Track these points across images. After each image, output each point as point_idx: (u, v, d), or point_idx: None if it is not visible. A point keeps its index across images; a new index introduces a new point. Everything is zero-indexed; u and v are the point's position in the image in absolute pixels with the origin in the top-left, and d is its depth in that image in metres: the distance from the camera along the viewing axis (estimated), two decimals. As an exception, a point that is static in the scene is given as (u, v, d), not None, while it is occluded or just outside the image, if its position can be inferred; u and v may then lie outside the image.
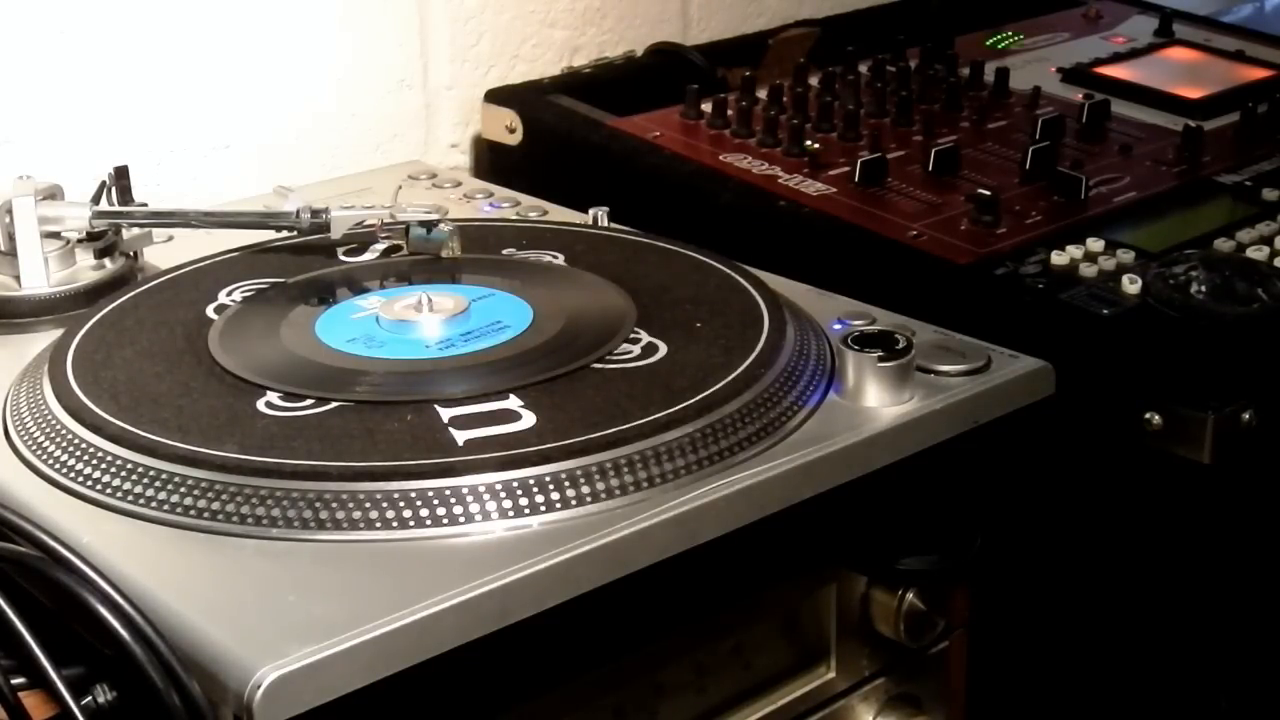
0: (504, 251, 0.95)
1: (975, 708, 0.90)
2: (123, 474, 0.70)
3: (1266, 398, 0.92)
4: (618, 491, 0.69)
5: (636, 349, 0.80)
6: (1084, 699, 1.01)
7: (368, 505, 0.67)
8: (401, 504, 0.67)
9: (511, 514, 0.67)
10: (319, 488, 0.67)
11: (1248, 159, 1.19)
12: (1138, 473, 0.93)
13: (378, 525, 0.66)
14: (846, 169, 1.13)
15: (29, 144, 1.10)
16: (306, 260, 0.94)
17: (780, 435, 0.74)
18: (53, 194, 0.94)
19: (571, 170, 1.21)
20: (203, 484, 0.68)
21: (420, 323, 0.83)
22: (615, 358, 0.79)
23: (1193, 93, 1.30)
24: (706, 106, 1.23)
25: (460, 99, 1.31)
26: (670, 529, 0.68)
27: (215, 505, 0.67)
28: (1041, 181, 1.12)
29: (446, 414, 0.73)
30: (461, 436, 0.71)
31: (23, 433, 0.76)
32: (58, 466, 0.72)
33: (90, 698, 0.62)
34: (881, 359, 0.77)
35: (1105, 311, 0.95)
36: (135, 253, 0.98)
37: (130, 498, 0.69)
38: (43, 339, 0.86)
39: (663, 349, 0.80)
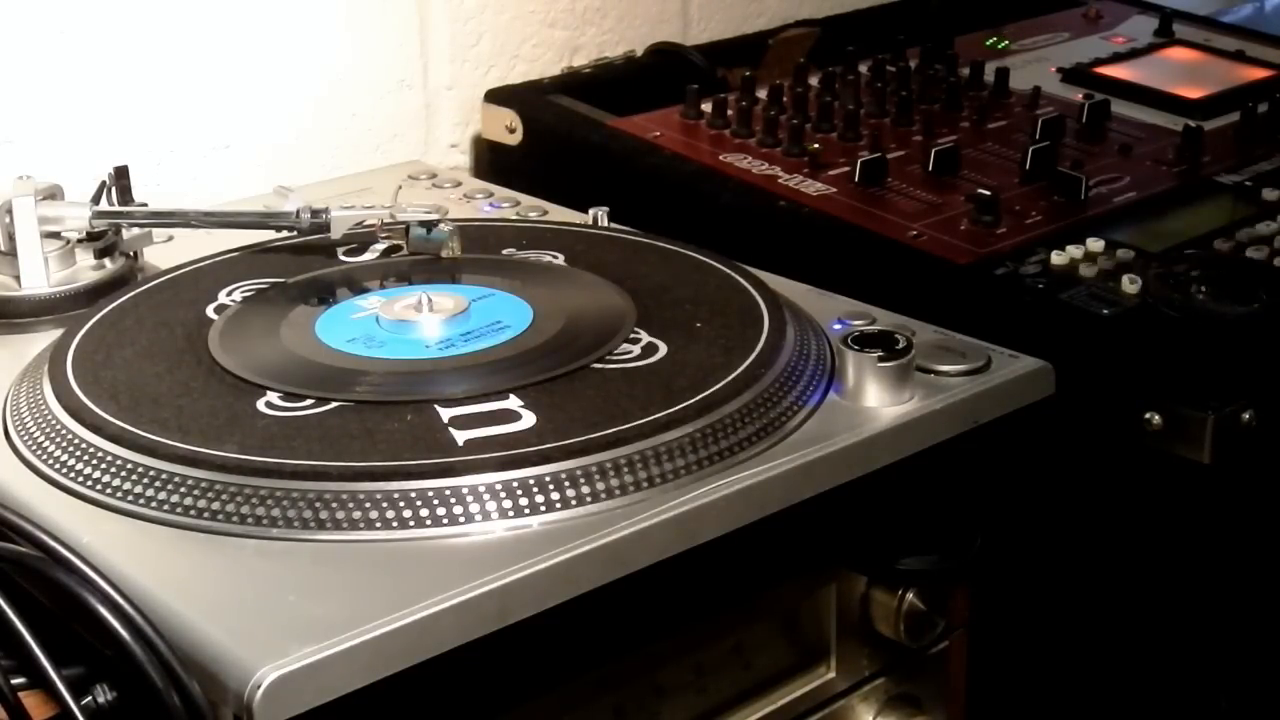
0: (504, 251, 0.95)
1: (975, 708, 0.90)
2: (123, 474, 0.70)
3: (1266, 398, 0.92)
4: (618, 491, 0.69)
5: (636, 349, 0.80)
6: (1084, 699, 1.01)
7: (368, 505, 0.67)
8: (401, 504, 0.67)
9: (511, 514, 0.67)
10: (319, 488, 0.67)
11: (1248, 159, 1.19)
12: (1138, 473, 0.93)
13: (378, 525, 0.66)
14: (846, 169, 1.13)
15: (29, 144, 1.10)
16: (306, 260, 0.94)
17: (780, 435, 0.74)
18: (53, 194, 0.94)
19: (571, 170, 1.21)
20: (203, 484, 0.68)
21: (420, 323, 0.83)
22: (615, 358, 0.79)
23: (1193, 93, 1.30)
24: (706, 106, 1.23)
25: (460, 99, 1.31)
26: (670, 529, 0.68)
27: (215, 505, 0.67)
28: (1041, 181, 1.12)
29: (446, 414, 0.73)
30: (461, 436, 0.71)
31: (23, 433, 0.76)
32: (58, 466, 0.72)
33: (90, 698, 0.62)
34: (881, 359, 0.77)
35: (1105, 311, 0.95)
36: (135, 253, 0.98)
37: (130, 498, 0.69)
38: (43, 339, 0.86)
39: (663, 349, 0.80)
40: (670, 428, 0.71)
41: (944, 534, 0.82)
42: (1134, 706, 0.99)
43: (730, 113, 1.22)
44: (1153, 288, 0.96)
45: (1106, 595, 0.97)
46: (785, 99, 1.24)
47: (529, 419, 0.72)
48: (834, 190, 1.11)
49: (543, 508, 0.67)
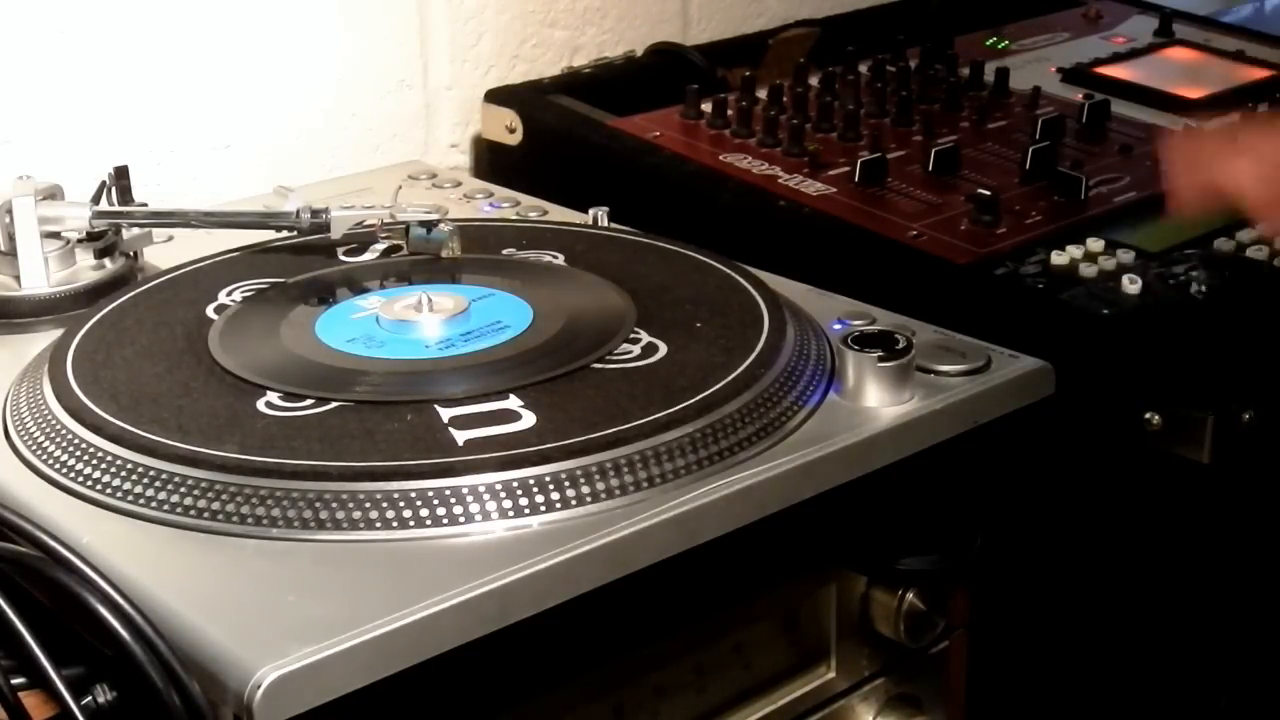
0: (504, 251, 0.95)
1: (975, 708, 0.90)
2: (123, 474, 0.70)
3: (1266, 398, 0.92)
4: (618, 491, 0.69)
5: (636, 349, 0.80)
6: (1084, 699, 1.01)
7: (368, 505, 0.67)
8: (401, 504, 0.67)
9: (511, 514, 0.67)
10: (319, 488, 0.67)
11: (1248, 159, 1.19)
12: (1138, 473, 0.93)
13: (378, 525, 0.66)
14: (846, 169, 1.13)
15: (29, 144, 1.10)
16: (306, 260, 0.94)
17: (780, 435, 0.74)
18: (53, 194, 0.94)
19: (571, 170, 1.21)
20: (203, 484, 0.68)
21: (420, 323, 0.83)
22: (615, 358, 0.79)
23: (1193, 93, 1.30)
24: (706, 106, 1.23)
25: (460, 99, 1.31)
26: (670, 529, 0.68)
27: (215, 505, 0.67)
28: (1041, 181, 1.12)
29: (446, 414, 0.73)
30: (461, 436, 0.71)
31: (23, 433, 0.76)
32: (58, 466, 0.72)
33: (90, 698, 0.62)
34: (881, 359, 0.77)
35: (1105, 311, 0.95)
36: (135, 253, 0.98)
37: (130, 498, 0.69)
38: (43, 339, 0.86)
39: (663, 349, 0.80)
40: (670, 428, 0.71)
41: (944, 534, 0.82)
42: (1134, 706, 0.99)
43: (730, 113, 1.22)
44: (1153, 288, 0.96)
45: (1107, 595, 0.97)
46: (785, 99, 1.24)
47: (529, 419, 0.72)
48: (834, 190, 1.11)
49: (543, 508, 0.67)
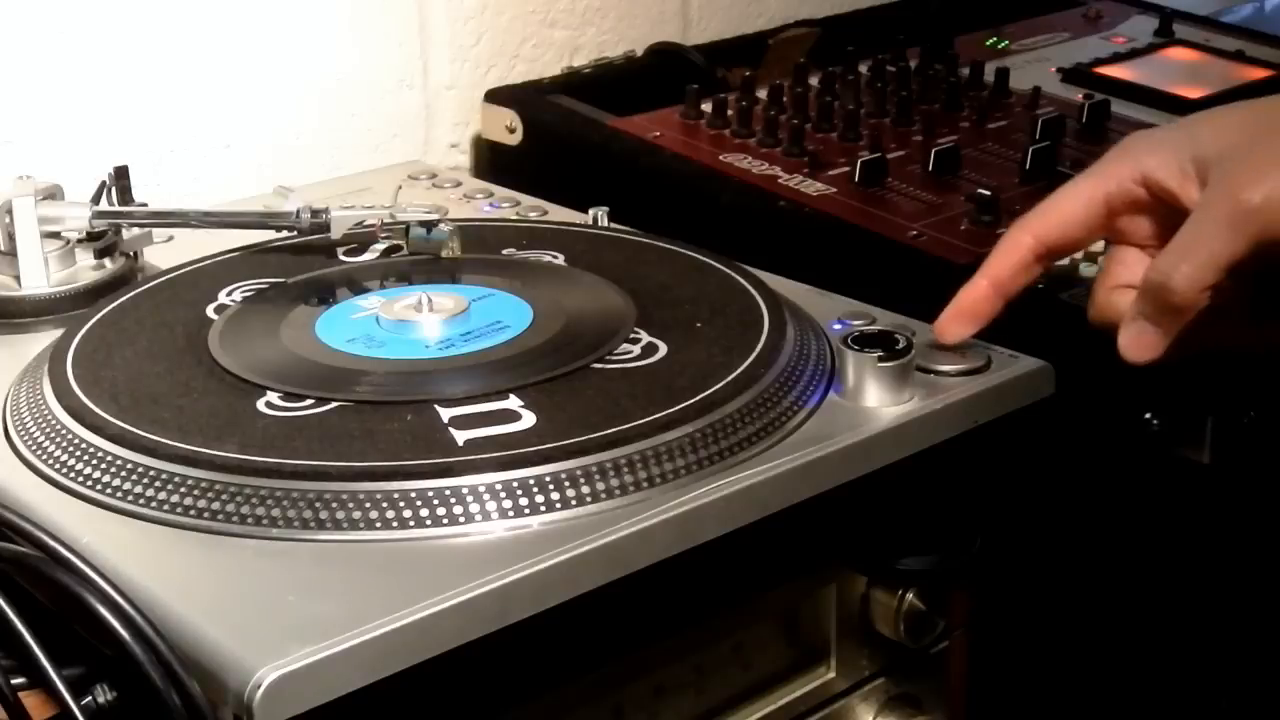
0: (504, 251, 0.95)
1: (975, 708, 0.90)
2: (123, 474, 0.70)
3: (1266, 398, 0.92)
4: (618, 491, 0.69)
5: (636, 349, 0.80)
6: (1084, 699, 1.01)
7: (368, 505, 0.67)
8: (401, 504, 0.67)
9: (511, 514, 0.67)
10: (319, 488, 0.67)
11: (1248, 159, 1.19)
12: (1138, 473, 0.93)
13: (378, 525, 0.66)
14: (846, 169, 1.13)
15: (29, 144, 1.10)
16: (306, 260, 0.94)
17: (780, 435, 0.74)
18: (53, 194, 0.94)
19: (571, 170, 1.21)
20: (203, 484, 0.68)
21: (420, 323, 0.83)
22: (615, 358, 0.79)
23: (1193, 93, 1.30)
24: (706, 106, 1.23)
25: (460, 99, 1.31)
26: (670, 529, 0.68)
27: (215, 505, 0.67)
28: (1041, 181, 1.12)
29: (446, 414, 0.73)
30: (461, 436, 0.71)
31: (23, 433, 0.76)
32: (58, 466, 0.72)
33: (90, 698, 0.62)
34: (881, 359, 0.77)
35: (1105, 311, 0.95)
36: (135, 253, 0.98)
37: (130, 498, 0.69)
38: (43, 339, 0.86)
39: (663, 349, 0.80)
40: (670, 428, 0.71)
41: (944, 534, 0.82)
42: (1134, 706, 0.99)
43: (730, 113, 1.22)
44: (1153, 288, 0.96)
45: (1107, 595, 0.97)
46: (785, 99, 1.24)
47: (529, 419, 0.72)
48: (834, 190, 1.11)
49: (543, 508, 0.67)
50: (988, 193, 1.07)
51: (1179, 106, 1.27)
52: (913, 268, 1.02)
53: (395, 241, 0.95)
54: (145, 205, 1.02)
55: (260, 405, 0.75)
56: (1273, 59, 1.39)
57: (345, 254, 0.95)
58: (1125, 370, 0.93)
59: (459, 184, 1.16)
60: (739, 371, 0.77)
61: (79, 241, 0.94)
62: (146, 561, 0.65)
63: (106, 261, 0.95)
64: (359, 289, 0.89)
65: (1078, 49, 1.42)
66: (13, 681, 0.62)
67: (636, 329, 0.82)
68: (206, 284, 0.91)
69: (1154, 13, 1.50)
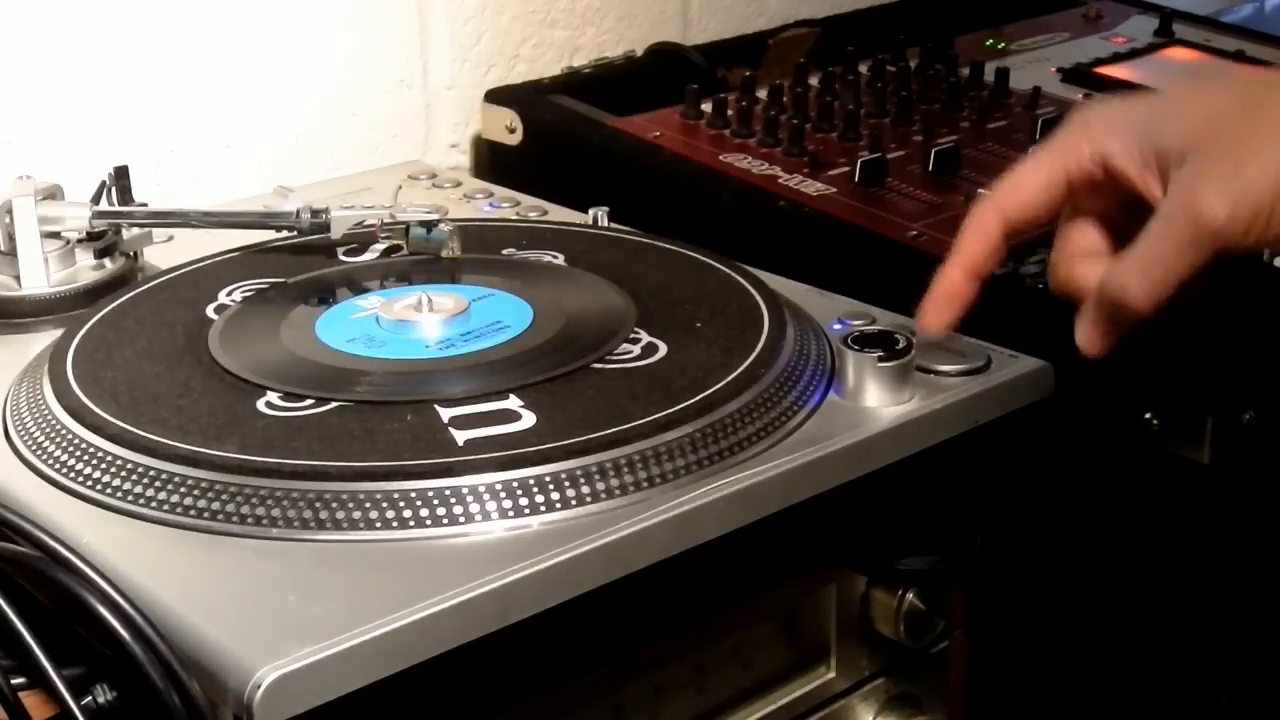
0: (504, 251, 0.95)
1: (975, 708, 0.90)
2: (123, 474, 0.70)
3: (1266, 398, 0.92)
4: (618, 491, 0.69)
5: (636, 349, 0.80)
6: (1084, 699, 1.01)
7: (368, 505, 0.67)
8: (401, 504, 0.67)
9: (511, 514, 0.67)
10: (319, 488, 0.67)
11: (1248, 159, 1.19)
12: (1138, 473, 0.93)
13: (378, 525, 0.66)
14: (846, 169, 1.13)
15: (29, 144, 1.10)
16: (306, 260, 0.94)
17: (780, 435, 0.74)
18: (53, 194, 0.94)
19: (571, 170, 1.21)
20: (203, 484, 0.68)
21: (420, 323, 0.83)
22: (615, 358, 0.79)
23: (1193, 93, 1.30)
24: (706, 106, 1.23)
25: (460, 99, 1.31)
26: (670, 529, 0.68)
27: (215, 505, 0.67)
28: (1041, 181, 1.12)
29: (446, 414, 0.73)
30: (461, 436, 0.71)
31: (23, 433, 0.76)
32: (58, 466, 0.72)
33: (90, 698, 0.62)
34: (881, 359, 0.77)
35: (1105, 311, 0.95)
36: (135, 253, 0.98)
37: (130, 498, 0.69)
38: (43, 339, 0.86)
39: (663, 349, 0.80)
40: (670, 428, 0.71)
41: (944, 534, 0.82)
42: (1134, 706, 0.99)
43: (730, 113, 1.22)
44: (1153, 288, 0.96)
45: (1107, 595, 0.97)
46: (785, 99, 1.24)
47: (529, 419, 0.72)
48: (834, 190, 1.11)
49: (543, 508, 0.67)
50: (988, 193, 1.07)
51: (1179, 106, 1.27)
52: (913, 268, 1.01)
53: (395, 241, 0.95)
54: (145, 205, 1.02)
55: (260, 405, 0.75)
56: (1273, 59, 1.39)
57: (345, 254, 0.95)
58: (1125, 370, 0.93)
59: (459, 184, 1.16)
60: (739, 371, 0.77)
61: (79, 241, 0.94)
62: (146, 561, 0.65)
63: (106, 261, 0.95)
64: (359, 289, 0.89)
65: (1078, 49, 1.42)
66: (13, 681, 0.62)
67: (636, 329, 0.82)
68: (206, 284, 0.91)
69: (1154, 13, 1.50)
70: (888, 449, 0.76)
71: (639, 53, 1.40)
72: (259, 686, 0.57)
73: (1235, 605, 0.97)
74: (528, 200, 1.11)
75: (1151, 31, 1.47)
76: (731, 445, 0.72)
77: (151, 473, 0.69)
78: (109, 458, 0.71)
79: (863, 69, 1.32)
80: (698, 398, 0.74)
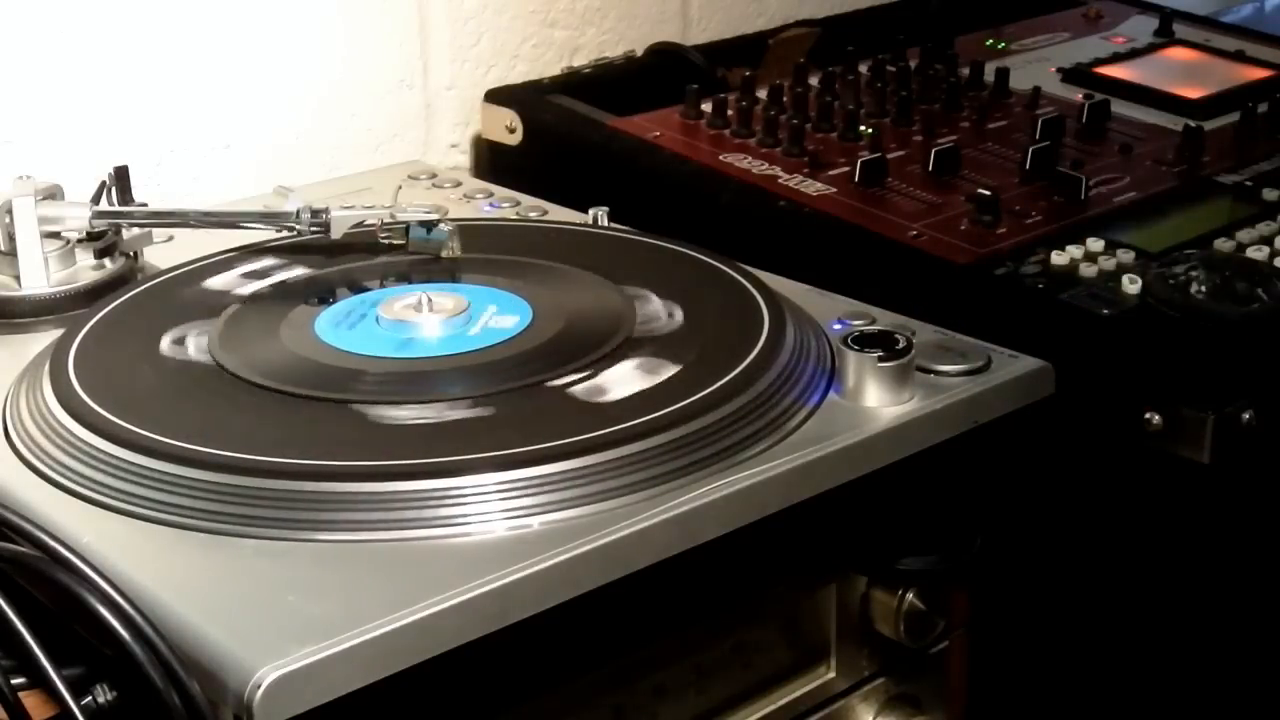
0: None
1: (975, 708, 0.90)
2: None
3: (1266, 398, 0.92)
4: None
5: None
6: (1084, 699, 1.01)
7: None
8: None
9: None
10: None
11: (1248, 159, 1.19)
12: (1138, 473, 0.93)
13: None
14: (846, 169, 1.13)
15: (29, 144, 1.10)
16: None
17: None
18: (53, 194, 0.94)
19: (571, 170, 1.21)
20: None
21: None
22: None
23: (1193, 93, 1.30)
24: (706, 106, 1.23)
25: (460, 99, 1.31)
26: (670, 529, 0.68)
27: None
28: (1041, 181, 1.12)
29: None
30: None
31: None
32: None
33: (90, 698, 0.62)
34: (881, 359, 0.77)
35: (1105, 311, 0.95)
36: (135, 253, 0.98)
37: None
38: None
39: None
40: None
41: (944, 534, 0.82)
42: (1134, 706, 0.99)
43: (730, 113, 1.22)
44: (1153, 288, 0.96)
45: (1106, 595, 0.97)
46: (785, 99, 1.24)
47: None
48: (834, 190, 1.11)
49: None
50: (988, 193, 1.07)
51: (1179, 106, 1.28)
52: (913, 268, 1.02)
53: (395, 241, 0.95)
54: (145, 205, 1.02)
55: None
56: (1273, 59, 1.39)
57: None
58: (1125, 370, 0.93)
59: (459, 184, 1.16)
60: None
61: (79, 241, 0.94)
62: (146, 561, 0.65)
63: (106, 261, 0.95)
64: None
65: (1078, 49, 1.42)
66: (13, 681, 0.62)
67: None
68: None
69: (1154, 13, 1.50)
70: (888, 449, 0.76)
71: (639, 53, 1.41)
72: (259, 686, 0.57)
73: (1235, 605, 0.97)
74: (528, 200, 1.11)
75: (1151, 31, 1.47)
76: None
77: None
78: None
79: (863, 69, 1.32)
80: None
